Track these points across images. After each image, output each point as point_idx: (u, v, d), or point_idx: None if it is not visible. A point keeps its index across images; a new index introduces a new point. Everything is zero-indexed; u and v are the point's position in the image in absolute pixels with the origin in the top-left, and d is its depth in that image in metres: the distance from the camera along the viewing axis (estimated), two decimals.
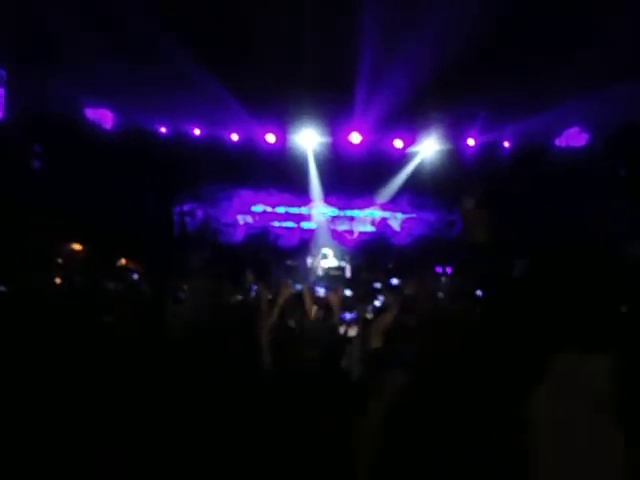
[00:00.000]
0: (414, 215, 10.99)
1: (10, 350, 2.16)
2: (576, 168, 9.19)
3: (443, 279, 7.16)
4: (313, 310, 3.69)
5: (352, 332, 3.44)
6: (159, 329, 2.93)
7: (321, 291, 5.78)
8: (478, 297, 4.37)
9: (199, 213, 10.73)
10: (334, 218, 11.13)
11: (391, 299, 3.25)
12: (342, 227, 11.06)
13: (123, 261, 8.23)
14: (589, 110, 8.71)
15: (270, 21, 7.21)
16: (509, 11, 6.30)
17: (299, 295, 3.78)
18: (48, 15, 7.03)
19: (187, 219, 10.61)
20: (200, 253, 7.21)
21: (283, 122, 10.17)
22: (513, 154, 10.38)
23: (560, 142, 10.13)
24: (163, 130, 10.65)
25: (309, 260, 9.36)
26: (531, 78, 7.99)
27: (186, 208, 10.67)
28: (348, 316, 3.84)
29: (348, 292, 6.81)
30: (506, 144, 10.48)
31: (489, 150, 10.49)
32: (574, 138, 10.05)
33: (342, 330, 3.51)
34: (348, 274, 8.92)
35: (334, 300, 3.35)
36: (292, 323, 3.77)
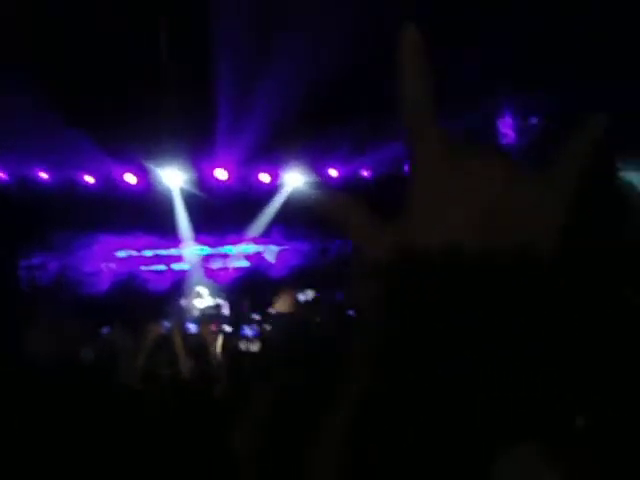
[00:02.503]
0: (287, 246, 11.07)
1: None
2: None
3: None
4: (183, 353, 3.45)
5: (254, 347, 3.34)
6: None
7: (192, 327, 5.48)
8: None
9: (52, 265, 9.64)
10: (207, 257, 10.76)
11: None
12: (216, 265, 10.73)
13: None
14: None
15: (123, 54, 6.91)
16: (364, 43, 6.70)
17: (168, 336, 3.53)
18: None
19: (37, 273, 9.47)
20: (52, 307, 6.43)
21: (142, 160, 9.70)
22: (373, 182, 11.01)
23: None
24: (1, 176, 9.50)
25: (182, 302, 8.88)
26: (386, 108, 8.63)
27: (35, 261, 9.53)
28: (249, 332, 3.70)
29: (228, 328, 6.53)
30: (365, 173, 11.12)
31: (350, 180, 11.04)
32: None
33: (243, 346, 3.40)
34: (226, 311, 8.61)
35: (206, 333, 3.21)
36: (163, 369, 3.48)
